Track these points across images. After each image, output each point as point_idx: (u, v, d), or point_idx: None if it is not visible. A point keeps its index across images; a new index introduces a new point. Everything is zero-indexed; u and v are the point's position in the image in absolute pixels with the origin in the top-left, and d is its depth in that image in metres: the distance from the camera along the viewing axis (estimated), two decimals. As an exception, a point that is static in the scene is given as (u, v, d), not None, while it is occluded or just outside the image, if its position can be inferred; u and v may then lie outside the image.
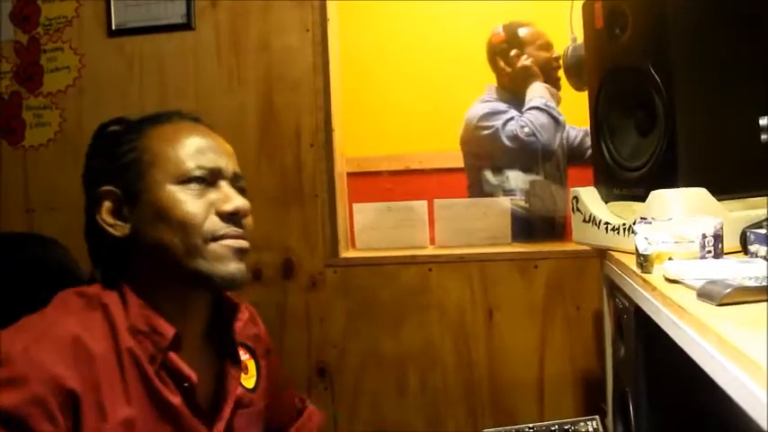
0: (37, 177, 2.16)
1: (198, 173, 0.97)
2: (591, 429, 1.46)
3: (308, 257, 2.03)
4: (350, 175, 2.16)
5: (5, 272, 1.23)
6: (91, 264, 1.03)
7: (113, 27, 2.12)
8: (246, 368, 1.11)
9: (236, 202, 0.99)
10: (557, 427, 1.48)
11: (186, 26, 2.08)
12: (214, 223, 0.96)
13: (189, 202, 0.96)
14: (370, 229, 2.11)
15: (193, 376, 0.96)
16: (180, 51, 2.09)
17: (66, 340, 0.87)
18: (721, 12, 1.16)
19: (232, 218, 0.98)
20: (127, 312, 0.94)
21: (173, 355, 0.94)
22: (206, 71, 2.08)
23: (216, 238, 0.96)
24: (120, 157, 0.99)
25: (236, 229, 0.98)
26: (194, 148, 0.99)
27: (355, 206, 2.13)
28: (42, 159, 2.16)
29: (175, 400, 0.94)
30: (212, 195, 0.98)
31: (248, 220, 1.01)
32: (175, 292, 0.98)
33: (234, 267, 0.97)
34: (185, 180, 0.97)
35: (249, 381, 1.11)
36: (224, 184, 1.00)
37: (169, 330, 0.94)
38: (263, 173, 2.01)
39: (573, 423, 1.49)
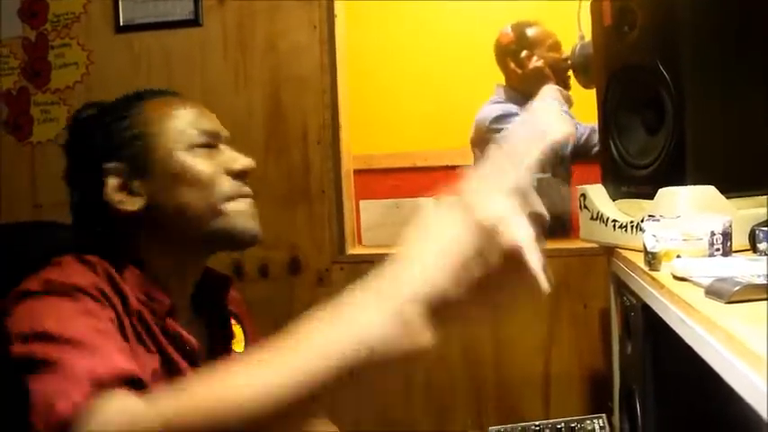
0: (44, 173, 2.17)
1: (203, 137, 1.02)
2: (597, 427, 1.46)
3: (315, 254, 2.03)
4: (357, 172, 2.16)
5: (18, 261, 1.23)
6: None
7: (121, 23, 2.12)
8: (234, 334, 1.13)
9: (244, 161, 1.04)
10: (563, 424, 1.48)
11: (194, 23, 2.08)
12: (228, 182, 1.01)
13: (201, 163, 1.00)
14: (377, 226, 2.11)
15: (193, 341, 0.98)
16: (187, 48, 2.10)
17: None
18: (730, 9, 1.16)
19: (242, 176, 1.03)
20: (125, 281, 0.95)
21: (172, 322, 0.97)
22: (213, 68, 2.08)
23: (232, 197, 1.01)
24: (119, 133, 1.02)
25: (247, 188, 1.03)
26: (192, 116, 1.04)
27: (362, 203, 2.13)
28: (50, 155, 2.16)
29: (182, 363, 0.96)
30: (219, 157, 1.03)
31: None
32: (175, 262, 1.01)
33: (252, 224, 1.02)
34: (193, 146, 1.01)
35: (239, 345, 1.13)
36: (224, 146, 1.05)
37: (165, 298, 0.97)
38: (270, 170, 2.02)
39: (579, 421, 1.48)
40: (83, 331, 0.79)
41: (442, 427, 2.00)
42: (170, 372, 0.94)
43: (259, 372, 0.60)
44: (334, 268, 2.02)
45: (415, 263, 0.58)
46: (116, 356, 0.78)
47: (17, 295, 0.85)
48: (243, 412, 0.60)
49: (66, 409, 0.68)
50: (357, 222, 2.14)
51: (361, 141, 2.15)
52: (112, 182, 1.00)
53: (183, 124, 1.02)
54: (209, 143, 1.03)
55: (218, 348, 1.08)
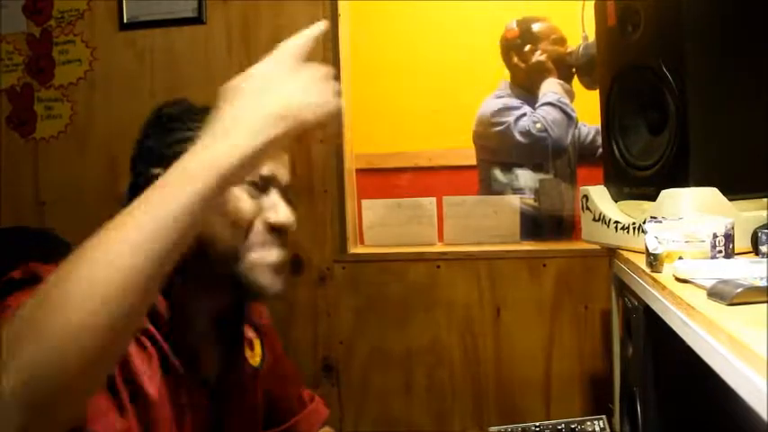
0: (48, 169, 2.17)
1: (254, 177, 0.96)
2: (598, 429, 1.46)
3: (317, 253, 2.04)
4: (359, 171, 2.16)
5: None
6: None
7: (125, 20, 2.13)
8: (252, 345, 1.11)
9: (287, 215, 0.98)
10: (563, 425, 1.48)
11: (197, 20, 2.09)
12: (261, 231, 0.96)
13: (243, 200, 0.95)
14: (379, 225, 2.11)
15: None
16: (191, 46, 2.10)
17: None
18: (735, 10, 1.15)
19: (278, 230, 0.97)
20: None
21: (180, 333, 0.94)
22: (216, 66, 2.08)
23: (259, 247, 0.95)
24: (175, 141, 0.96)
25: (280, 240, 0.98)
26: None
27: (364, 202, 2.13)
28: (53, 151, 2.17)
29: (180, 368, 0.94)
30: (264, 201, 0.98)
31: (291, 231, 1.01)
32: (202, 282, 0.97)
33: (268, 281, 0.96)
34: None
35: (255, 359, 1.11)
36: (275, 193, 0.99)
37: (164, 310, 0.93)
38: (273, 168, 2.01)
39: (580, 422, 1.48)
40: None
41: (443, 428, 2.00)
42: (169, 372, 0.92)
43: (124, 222, 0.65)
44: (335, 267, 2.02)
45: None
46: None
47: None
48: (114, 277, 0.61)
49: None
50: (359, 222, 2.14)
51: (364, 141, 2.15)
52: None
53: None
54: (258, 184, 0.97)
55: (231, 358, 1.06)
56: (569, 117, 2.08)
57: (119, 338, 0.64)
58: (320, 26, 0.82)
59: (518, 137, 2.09)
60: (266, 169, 0.98)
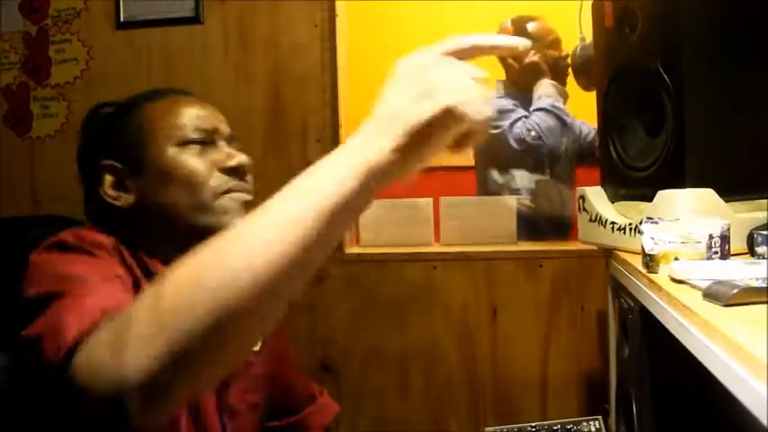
0: (44, 168, 2.17)
1: (196, 134, 1.02)
2: (594, 429, 1.46)
3: (313, 253, 2.03)
4: (356, 171, 2.16)
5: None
6: None
7: (122, 20, 2.12)
8: None
9: (239, 157, 1.04)
10: (559, 426, 1.48)
11: (194, 20, 2.09)
12: (219, 178, 1.01)
13: (191, 160, 1.01)
14: (375, 225, 2.11)
15: None
16: (188, 45, 2.10)
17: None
18: (732, 12, 1.15)
19: (236, 172, 1.03)
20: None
21: None
22: (213, 66, 2.08)
23: (222, 193, 1.01)
24: (118, 132, 1.04)
25: (240, 182, 1.03)
26: (191, 114, 1.04)
27: (361, 202, 2.13)
28: (49, 150, 2.17)
29: None
30: (213, 155, 1.03)
31: (250, 178, 1.06)
32: (181, 252, 0.99)
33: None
34: (185, 142, 1.02)
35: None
36: (222, 144, 1.05)
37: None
38: (269, 168, 2.01)
39: (576, 423, 1.48)
40: (93, 276, 0.82)
41: (439, 428, 2.00)
42: None
43: (267, 214, 0.63)
44: (332, 267, 2.02)
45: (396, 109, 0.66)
46: (123, 295, 0.81)
47: (39, 248, 0.89)
48: (257, 261, 0.59)
49: (73, 336, 0.68)
50: (355, 222, 2.13)
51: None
52: (108, 178, 1.02)
53: (176, 121, 1.03)
54: (204, 140, 1.03)
55: None
56: (564, 123, 2.08)
57: (262, 325, 0.64)
58: (513, 41, 0.74)
59: (513, 143, 2.09)
60: (207, 124, 1.04)
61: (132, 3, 2.12)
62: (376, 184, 0.64)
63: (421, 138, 0.64)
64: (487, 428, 1.56)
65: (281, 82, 2.06)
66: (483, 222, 2.07)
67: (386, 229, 2.10)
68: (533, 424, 1.51)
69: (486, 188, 2.12)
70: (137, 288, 0.91)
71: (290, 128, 2.05)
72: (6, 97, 2.19)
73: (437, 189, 2.11)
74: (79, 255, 0.88)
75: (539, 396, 1.97)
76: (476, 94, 0.65)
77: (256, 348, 1.11)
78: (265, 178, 1.97)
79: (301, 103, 2.05)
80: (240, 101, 2.06)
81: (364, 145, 0.64)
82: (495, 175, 2.12)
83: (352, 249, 2.08)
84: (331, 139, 2.02)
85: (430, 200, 2.10)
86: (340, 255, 2.02)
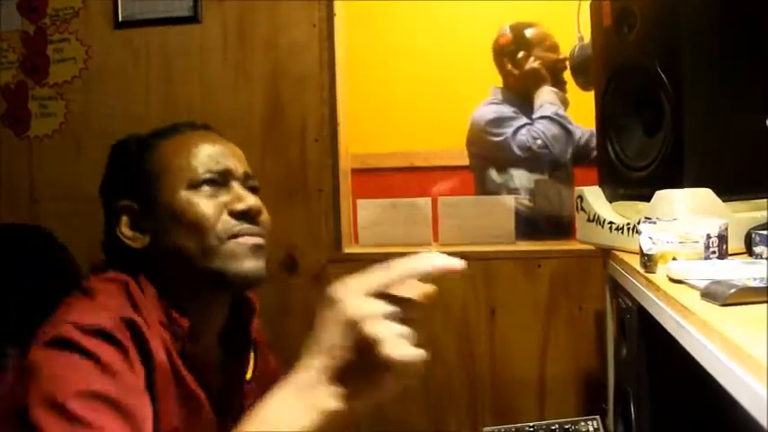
0: (42, 167, 2.17)
1: (208, 175, 1.00)
2: (591, 429, 1.46)
3: (311, 252, 2.03)
4: (354, 171, 2.16)
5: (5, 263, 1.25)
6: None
7: (120, 19, 2.12)
8: (249, 362, 1.12)
9: (248, 200, 1.01)
10: (557, 426, 1.48)
11: (193, 19, 2.08)
12: (227, 222, 0.99)
13: (201, 203, 0.98)
14: (374, 225, 2.11)
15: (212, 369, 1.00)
16: (186, 45, 2.09)
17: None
18: (730, 11, 1.16)
19: (245, 216, 1.00)
20: (146, 297, 0.96)
21: (191, 347, 0.97)
22: (212, 65, 2.08)
23: (230, 237, 0.98)
24: (134, 171, 1.03)
25: (250, 226, 1.00)
26: (204, 154, 1.02)
27: (359, 202, 2.13)
28: (47, 150, 2.16)
29: (198, 390, 0.96)
30: (224, 197, 1.01)
31: (264, 218, 1.03)
32: (195, 295, 1.00)
33: (249, 265, 0.99)
34: (196, 184, 1.00)
35: (249, 372, 1.12)
36: (235, 185, 1.03)
37: (185, 322, 0.96)
38: (268, 167, 2.01)
39: (574, 422, 1.48)
40: (111, 391, 0.81)
41: (437, 427, 2.00)
42: (184, 398, 0.95)
43: None
44: (330, 267, 2.02)
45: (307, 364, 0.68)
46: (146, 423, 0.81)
47: (41, 340, 0.85)
48: None
49: None
50: (354, 221, 2.14)
51: (359, 140, 2.15)
52: (124, 219, 1.02)
53: (191, 162, 1.01)
54: (216, 180, 1.01)
55: (232, 375, 1.08)
56: (568, 132, 2.08)
57: None
58: (433, 261, 0.74)
59: (517, 151, 2.09)
60: (220, 165, 1.02)
61: (130, 2, 2.12)
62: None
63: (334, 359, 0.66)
64: (486, 428, 1.56)
65: (280, 81, 2.06)
66: (481, 222, 2.07)
67: (384, 229, 2.10)
68: (531, 423, 1.51)
69: (485, 188, 2.12)
70: (140, 337, 0.91)
71: (289, 127, 2.04)
72: (4, 96, 2.19)
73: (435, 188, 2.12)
74: (75, 362, 0.83)
75: (537, 396, 1.97)
76: (391, 329, 0.66)
77: (248, 378, 1.11)
78: (263, 177, 1.98)
79: (300, 103, 2.05)
80: (239, 100, 2.05)
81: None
82: (494, 174, 2.12)
83: (351, 249, 2.08)
84: (329, 139, 2.02)
85: (428, 199, 2.10)
86: (338, 254, 2.02)
